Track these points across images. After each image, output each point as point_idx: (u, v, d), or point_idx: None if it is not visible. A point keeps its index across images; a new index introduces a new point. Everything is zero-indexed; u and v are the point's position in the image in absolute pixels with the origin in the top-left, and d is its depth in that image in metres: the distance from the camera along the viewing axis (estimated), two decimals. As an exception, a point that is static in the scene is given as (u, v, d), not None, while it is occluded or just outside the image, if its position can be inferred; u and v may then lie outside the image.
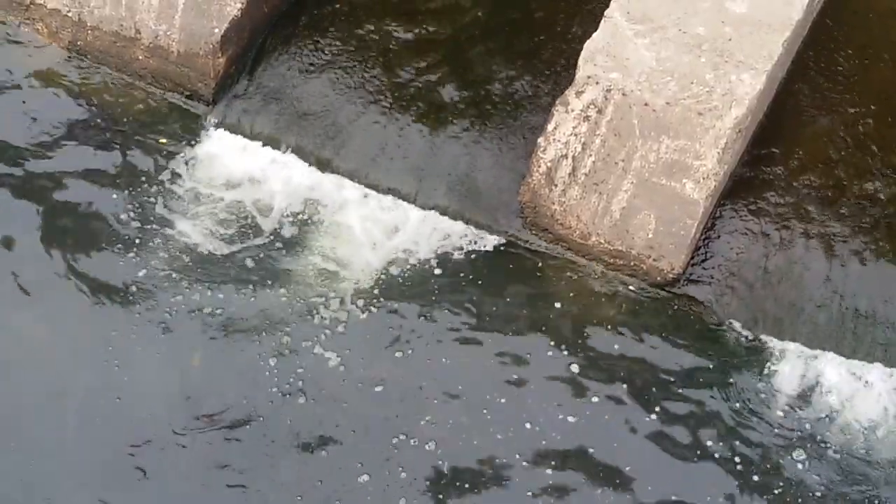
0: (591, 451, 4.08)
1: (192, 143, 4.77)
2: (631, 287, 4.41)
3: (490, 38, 4.84)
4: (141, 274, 4.41)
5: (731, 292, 4.33)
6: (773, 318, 4.27)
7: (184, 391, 4.17)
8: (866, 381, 4.19)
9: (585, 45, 4.31)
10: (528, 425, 4.12)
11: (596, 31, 4.33)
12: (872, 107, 4.61)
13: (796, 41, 4.59)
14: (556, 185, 4.35)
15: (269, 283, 4.42)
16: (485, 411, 4.15)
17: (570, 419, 4.14)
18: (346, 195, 4.62)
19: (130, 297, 4.36)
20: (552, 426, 4.12)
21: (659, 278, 4.34)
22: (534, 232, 4.50)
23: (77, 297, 4.38)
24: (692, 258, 4.36)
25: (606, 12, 4.37)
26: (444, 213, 4.55)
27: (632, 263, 4.36)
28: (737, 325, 4.31)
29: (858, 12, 4.89)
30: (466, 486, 4.01)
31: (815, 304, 4.26)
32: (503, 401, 4.18)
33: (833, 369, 4.21)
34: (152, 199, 4.61)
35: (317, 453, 4.06)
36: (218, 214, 4.59)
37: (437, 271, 4.45)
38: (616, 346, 4.30)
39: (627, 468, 4.05)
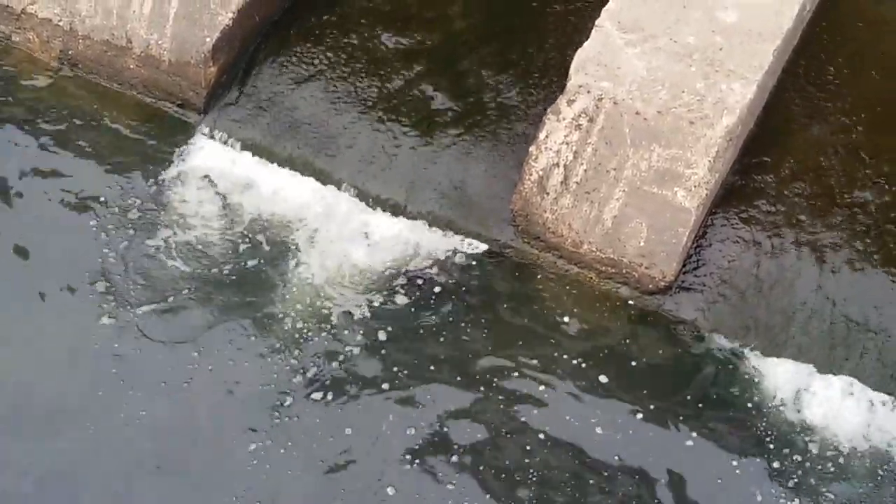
0: (583, 461, 4.08)
1: (183, 151, 4.76)
2: (623, 295, 4.40)
3: (482, 47, 4.85)
4: (127, 286, 4.39)
5: (723, 300, 4.34)
6: (764, 325, 4.28)
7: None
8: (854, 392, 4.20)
9: (577, 54, 4.32)
10: (520, 436, 4.12)
11: (587, 40, 4.35)
12: (863, 115, 4.62)
13: (787, 50, 4.61)
14: (547, 194, 4.35)
15: (259, 296, 4.40)
16: (472, 425, 4.15)
17: (562, 434, 4.14)
18: (336, 204, 4.61)
19: (113, 314, 4.34)
20: (542, 439, 4.12)
21: (651, 286, 4.34)
22: (525, 240, 4.50)
23: (58, 316, 4.35)
24: (684, 266, 4.36)
25: (597, 21, 4.38)
26: (435, 221, 4.55)
27: (624, 271, 4.36)
28: (727, 333, 4.31)
29: (849, 21, 4.91)
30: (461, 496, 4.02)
31: (806, 311, 4.27)
32: (490, 413, 4.17)
33: (822, 378, 4.21)
34: (142, 209, 4.60)
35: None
36: (207, 224, 4.58)
37: (430, 280, 4.45)
38: (605, 357, 4.30)
39: (613, 480, 4.05)
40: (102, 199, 4.62)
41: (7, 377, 4.18)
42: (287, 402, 4.13)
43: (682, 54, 4.29)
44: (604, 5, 4.41)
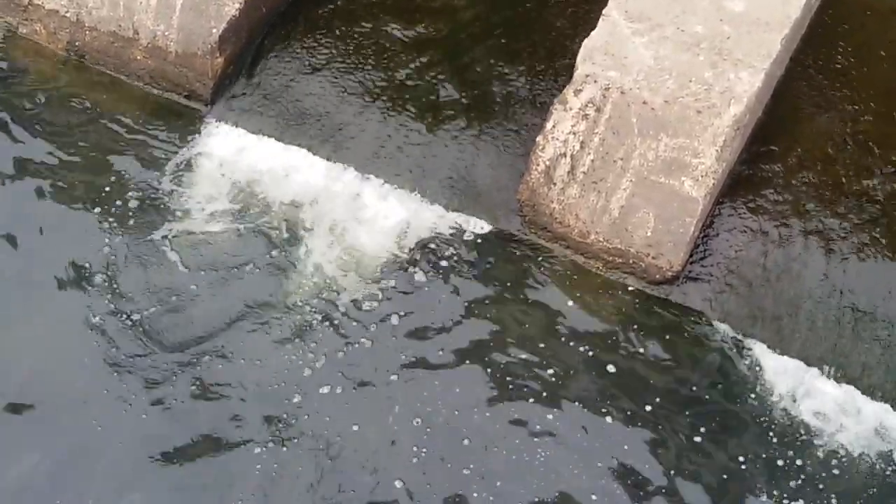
0: (585, 452, 4.09)
1: (190, 142, 4.77)
2: (629, 285, 4.40)
3: (488, 37, 4.85)
4: (131, 278, 4.40)
5: (730, 290, 4.33)
6: (771, 315, 4.27)
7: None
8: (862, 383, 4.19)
9: (584, 44, 4.32)
10: (524, 427, 4.12)
11: (594, 29, 4.34)
12: (871, 104, 4.61)
13: (795, 39, 4.59)
14: (554, 184, 4.35)
15: (267, 281, 4.41)
16: (477, 418, 4.16)
17: (563, 422, 4.14)
18: (343, 194, 4.61)
19: (116, 308, 4.34)
20: (544, 427, 4.13)
21: (658, 276, 4.34)
22: (533, 230, 4.50)
23: (63, 305, 4.35)
24: (691, 256, 4.36)
25: (604, 11, 4.38)
26: (442, 211, 4.55)
27: (631, 261, 4.36)
28: (735, 322, 4.31)
29: (856, 10, 4.89)
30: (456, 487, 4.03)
31: (813, 301, 4.26)
32: (496, 402, 4.18)
33: (830, 368, 4.20)
34: (149, 200, 4.60)
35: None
36: (215, 214, 4.59)
37: (435, 270, 4.45)
38: (613, 346, 4.30)
39: (617, 473, 4.06)
40: (107, 189, 4.63)
41: (5, 377, 4.17)
42: (295, 399, 4.14)
43: (690, 43, 4.28)
44: (610, -5, 4.41)
